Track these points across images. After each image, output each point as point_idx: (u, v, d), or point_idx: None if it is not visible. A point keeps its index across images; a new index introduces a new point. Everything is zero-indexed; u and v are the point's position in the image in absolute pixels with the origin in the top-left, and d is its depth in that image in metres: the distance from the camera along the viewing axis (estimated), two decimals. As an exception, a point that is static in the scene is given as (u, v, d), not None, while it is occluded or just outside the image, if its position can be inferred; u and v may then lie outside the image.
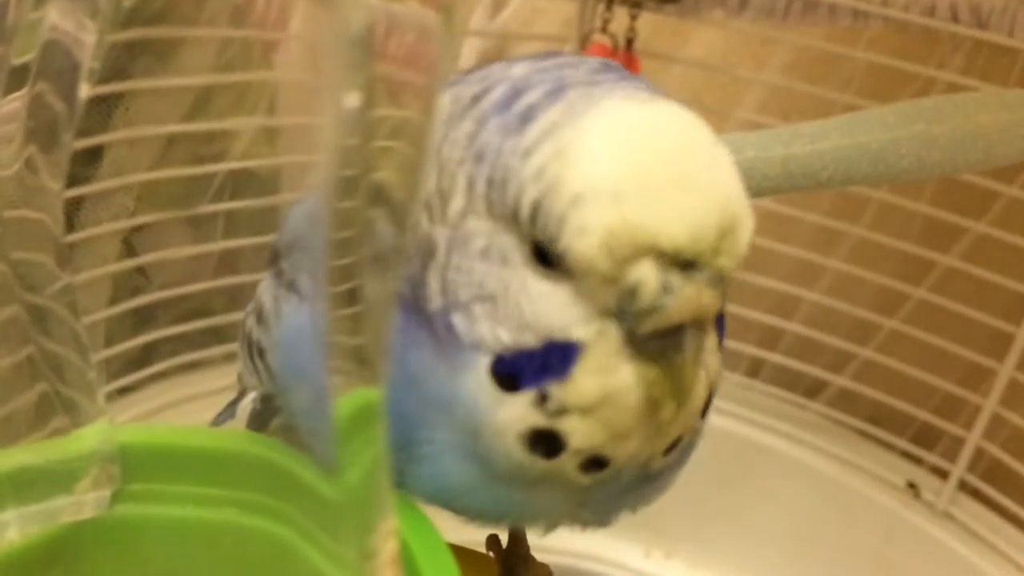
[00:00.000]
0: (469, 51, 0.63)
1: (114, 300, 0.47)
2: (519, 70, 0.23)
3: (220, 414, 0.36)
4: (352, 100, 0.17)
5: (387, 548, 0.20)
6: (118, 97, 0.45)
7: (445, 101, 0.23)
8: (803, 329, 0.59)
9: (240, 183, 0.48)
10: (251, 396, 0.29)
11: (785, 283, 0.58)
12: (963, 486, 0.55)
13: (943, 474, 0.56)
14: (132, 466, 0.24)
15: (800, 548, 0.57)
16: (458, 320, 0.22)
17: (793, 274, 0.58)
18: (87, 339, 0.23)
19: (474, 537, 0.33)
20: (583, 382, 0.22)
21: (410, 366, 0.23)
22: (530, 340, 0.22)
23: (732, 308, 0.61)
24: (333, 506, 0.21)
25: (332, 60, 0.18)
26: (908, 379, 0.56)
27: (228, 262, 0.50)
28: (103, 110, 0.43)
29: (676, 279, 0.21)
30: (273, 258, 0.28)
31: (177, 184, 0.47)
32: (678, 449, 0.24)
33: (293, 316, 0.25)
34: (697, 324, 0.21)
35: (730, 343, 0.60)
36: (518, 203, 0.21)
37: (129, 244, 0.48)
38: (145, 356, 0.49)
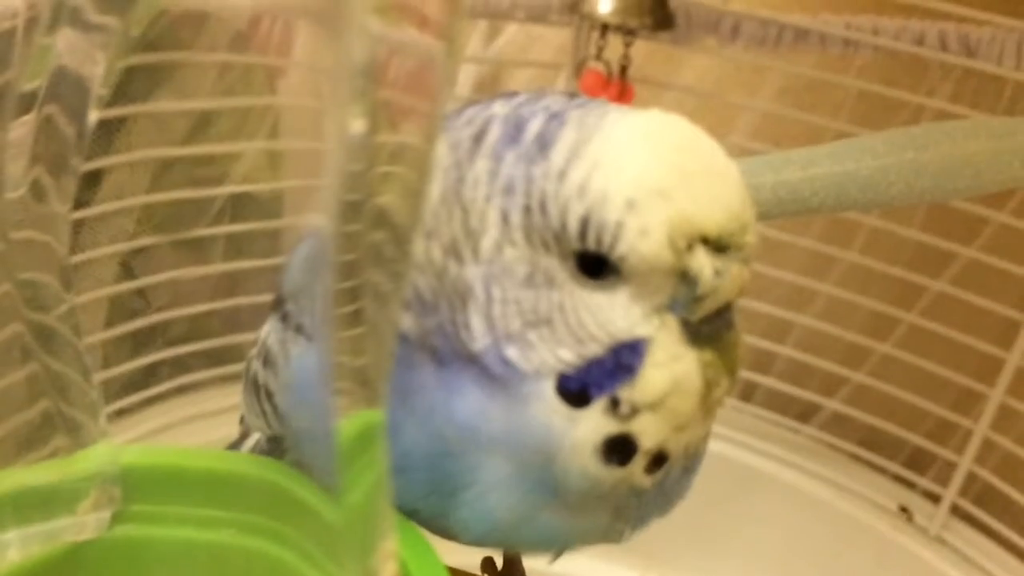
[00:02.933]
0: (465, 78, 0.63)
1: (110, 322, 0.47)
2: (500, 109, 0.24)
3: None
4: (357, 126, 0.17)
5: (386, 570, 0.21)
6: (119, 121, 0.45)
7: (443, 148, 0.24)
8: (796, 353, 0.59)
9: (240, 206, 0.48)
10: (255, 437, 0.29)
11: (778, 308, 0.59)
12: (955, 510, 0.56)
13: (935, 498, 0.56)
14: (133, 487, 0.25)
15: (793, 571, 0.57)
16: (512, 352, 0.23)
17: (786, 299, 0.59)
18: (89, 361, 0.23)
19: (471, 560, 0.33)
20: (652, 376, 0.23)
21: (457, 417, 0.23)
22: (596, 350, 0.23)
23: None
24: (334, 527, 0.21)
25: (336, 87, 0.18)
26: (900, 403, 0.56)
27: (227, 285, 0.50)
28: (104, 133, 0.44)
29: (723, 262, 0.22)
30: (278, 302, 0.28)
31: (176, 207, 0.47)
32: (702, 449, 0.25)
33: (303, 358, 0.26)
34: (731, 305, 0.23)
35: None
36: (564, 222, 0.22)
37: (128, 267, 0.48)
38: (144, 378, 0.49)
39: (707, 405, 0.24)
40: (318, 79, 0.20)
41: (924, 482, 0.57)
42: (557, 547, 0.26)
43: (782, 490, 0.58)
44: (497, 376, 0.23)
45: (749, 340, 0.59)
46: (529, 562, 0.35)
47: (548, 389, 0.23)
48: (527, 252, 0.23)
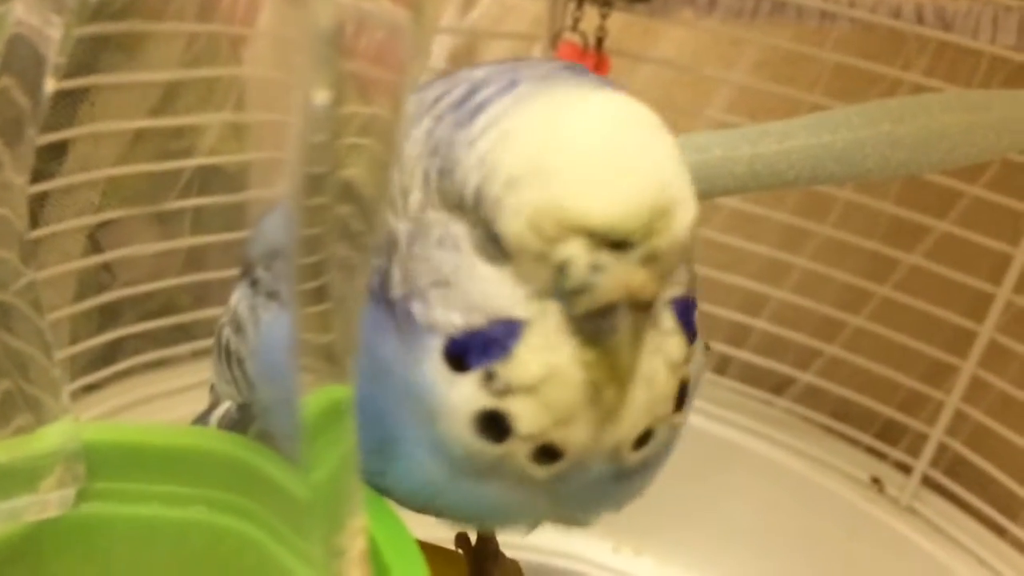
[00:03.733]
0: (440, 49, 0.62)
1: (79, 297, 0.47)
2: (481, 72, 0.24)
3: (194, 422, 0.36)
4: (321, 97, 0.17)
5: (355, 546, 0.20)
6: (83, 92, 0.44)
7: (411, 103, 0.23)
8: (770, 326, 0.59)
9: (208, 179, 0.47)
10: (225, 406, 0.29)
11: (753, 281, 0.59)
12: (926, 481, 0.56)
13: (907, 469, 0.57)
14: (97, 464, 0.24)
15: (766, 543, 0.58)
16: (416, 306, 0.23)
17: (760, 272, 0.59)
18: (51, 336, 0.23)
19: (445, 535, 0.33)
20: (525, 359, 0.22)
21: (379, 359, 0.24)
22: (479, 320, 0.22)
23: (700, 306, 0.61)
24: (301, 504, 0.21)
25: (301, 57, 0.18)
26: (873, 376, 0.57)
27: (195, 259, 0.49)
28: (68, 105, 0.43)
29: (607, 258, 0.21)
30: (246, 268, 0.28)
31: (143, 180, 0.47)
32: (652, 443, 0.24)
33: (274, 323, 0.25)
34: (633, 305, 0.22)
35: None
36: (464, 190, 0.22)
37: (95, 240, 0.48)
38: (111, 353, 0.49)
39: (600, 408, 0.22)
40: (283, 49, 0.19)
41: (896, 453, 0.58)
42: (487, 522, 0.26)
43: (756, 462, 0.59)
44: (404, 327, 0.23)
45: (724, 313, 0.60)
46: (503, 536, 0.35)
47: (437, 348, 0.23)
48: (442, 215, 0.23)
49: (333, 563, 0.20)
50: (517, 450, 0.23)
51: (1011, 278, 0.52)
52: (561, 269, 0.22)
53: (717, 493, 0.59)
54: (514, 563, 0.36)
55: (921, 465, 0.56)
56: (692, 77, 0.61)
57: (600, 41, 0.55)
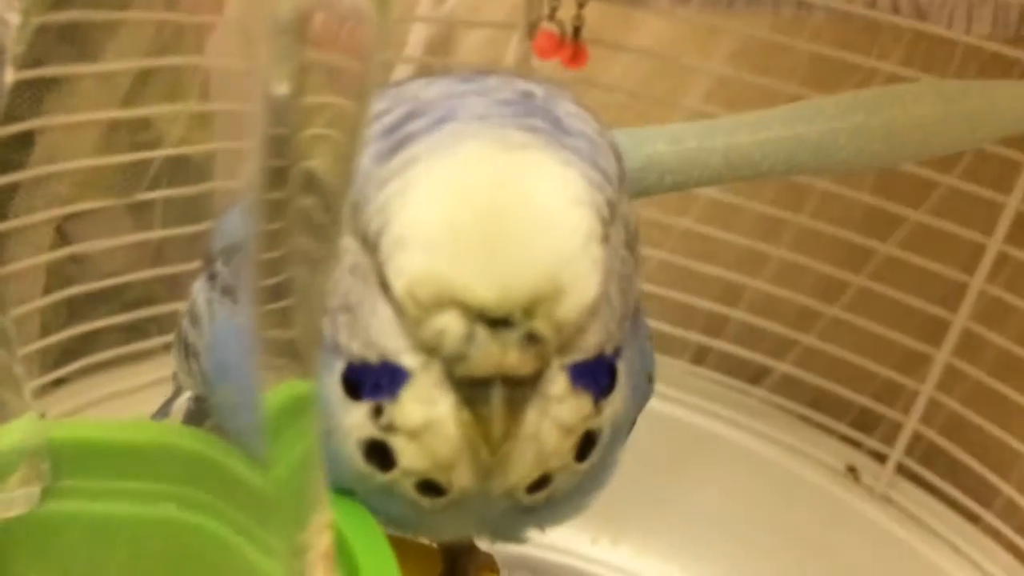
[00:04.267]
0: (416, 38, 0.62)
1: (48, 289, 0.46)
2: (433, 92, 0.23)
3: (155, 413, 0.36)
4: (281, 88, 0.17)
5: (321, 542, 0.20)
6: (50, 82, 0.43)
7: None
8: (747, 316, 0.59)
9: (177, 170, 0.47)
10: (186, 395, 0.29)
11: (730, 271, 0.59)
12: (901, 470, 0.57)
13: (882, 458, 0.57)
14: (63, 462, 0.24)
15: (743, 532, 0.58)
16: (327, 323, 0.23)
17: (737, 262, 0.59)
18: (13, 332, 0.22)
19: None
20: (408, 407, 0.22)
21: None
22: (372, 357, 0.23)
23: (678, 296, 0.62)
24: (264, 500, 0.21)
25: (263, 46, 0.17)
26: (848, 365, 0.57)
27: (166, 251, 0.49)
28: (33, 96, 0.42)
29: (483, 334, 0.21)
30: (207, 261, 0.28)
31: (112, 171, 0.46)
32: (554, 486, 0.24)
33: (228, 321, 0.25)
34: (509, 379, 0.21)
35: (676, 330, 0.61)
36: (367, 230, 0.22)
37: (63, 233, 0.47)
38: (81, 347, 0.48)
39: (479, 462, 0.22)
40: (245, 36, 0.19)
41: (871, 442, 0.58)
42: (415, 531, 0.27)
43: (732, 452, 0.59)
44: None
45: (701, 303, 0.60)
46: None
47: (339, 370, 0.23)
48: (356, 244, 0.23)
49: (297, 560, 0.20)
50: (402, 480, 0.23)
51: (984, 267, 0.52)
52: (434, 336, 0.21)
53: (694, 482, 0.59)
54: (488, 556, 0.36)
55: (896, 454, 0.56)
56: (670, 66, 0.61)
57: (577, 30, 0.55)
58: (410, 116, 0.22)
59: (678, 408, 0.59)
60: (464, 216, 0.21)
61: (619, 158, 0.24)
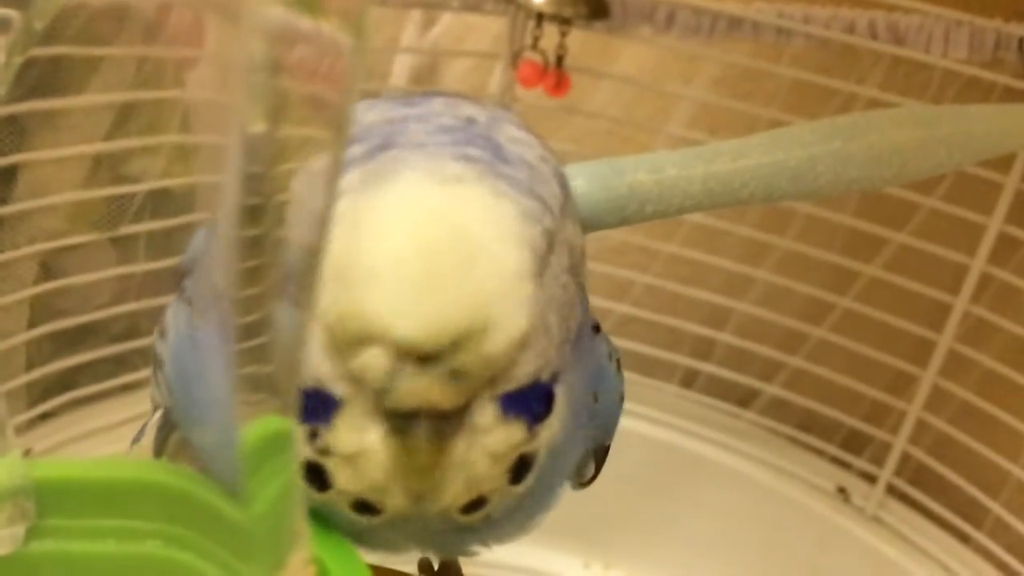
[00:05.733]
0: (401, 68, 0.63)
1: (33, 323, 0.46)
2: (373, 116, 0.23)
3: (135, 435, 0.36)
4: (256, 127, 0.17)
5: (303, 578, 0.20)
6: (34, 117, 0.44)
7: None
8: (735, 339, 0.60)
9: (160, 204, 0.47)
10: (158, 413, 0.29)
11: (717, 295, 0.59)
12: (891, 490, 0.57)
13: (872, 479, 0.57)
14: (48, 501, 0.24)
15: (735, 555, 0.58)
16: None
17: (724, 286, 0.60)
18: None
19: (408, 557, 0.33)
20: (341, 434, 0.22)
21: None
22: (309, 382, 0.22)
23: (666, 320, 0.62)
24: (245, 536, 0.21)
25: (236, 83, 0.17)
26: (836, 386, 0.57)
27: (151, 284, 0.49)
28: (16, 131, 0.42)
29: (408, 368, 0.21)
30: (179, 277, 0.28)
31: (99, 205, 0.46)
32: (486, 509, 0.24)
33: (182, 326, 0.25)
34: (434, 413, 0.22)
35: (664, 354, 0.61)
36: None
37: (47, 266, 0.47)
38: (67, 380, 0.48)
39: (409, 488, 0.23)
40: (222, 72, 0.19)
41: (860, 463, 0.58)
42: (367, 546, 0.27)
43: (723, 475, 0.59)
44: None
45: (689, 327, 0.61)
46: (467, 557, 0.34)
47: None
48: None
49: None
50: (339, 500, 0.23)
51: (968, 288, 0.53)
52: (357, 370, 0.21)
53: (685, 505, 0.59)
54: (476, 584, 0.36)
55: (885, 474, 0.56)
56: (652, 93, 0.61)
57: (560, 59, 0.56)
58: (352, 141, 0.22)
59: (668, 432, 0.60)
60: (393, 253, 0.21)
61: (563, 183, 0.24)
